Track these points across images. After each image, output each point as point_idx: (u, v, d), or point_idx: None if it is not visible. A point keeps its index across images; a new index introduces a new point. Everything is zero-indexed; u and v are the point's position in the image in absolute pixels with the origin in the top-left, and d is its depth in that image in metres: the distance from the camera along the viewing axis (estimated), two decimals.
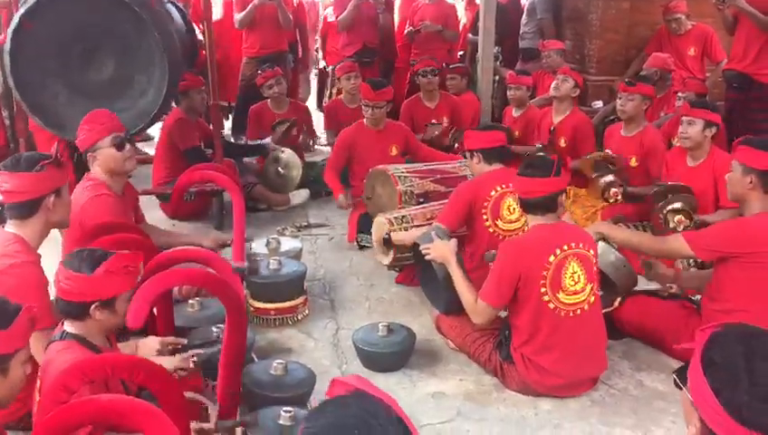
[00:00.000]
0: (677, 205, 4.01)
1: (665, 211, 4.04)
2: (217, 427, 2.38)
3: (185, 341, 2.82)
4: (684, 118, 4.28)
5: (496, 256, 3.11)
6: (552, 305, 3.00)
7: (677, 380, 1.26)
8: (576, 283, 3.01)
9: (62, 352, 2.24)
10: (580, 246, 3.06)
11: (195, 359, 2.57)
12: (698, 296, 3.44)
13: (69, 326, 2.32)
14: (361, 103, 5.10)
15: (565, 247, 3.01)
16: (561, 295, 3.00)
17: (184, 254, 2.80)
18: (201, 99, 5.40)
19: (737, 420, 1.11)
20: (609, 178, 4.61)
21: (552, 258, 2.98)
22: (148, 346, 2.72)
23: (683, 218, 3.95)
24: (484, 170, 3.82)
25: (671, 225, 3.97)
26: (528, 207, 3.12)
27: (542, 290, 2.98)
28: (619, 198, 4.56)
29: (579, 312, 3.03)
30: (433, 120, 5.89)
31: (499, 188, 3.74)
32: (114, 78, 4.20)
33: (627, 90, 4.86)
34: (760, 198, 3.12)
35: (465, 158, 4.32)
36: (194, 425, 2.30)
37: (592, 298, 3.08)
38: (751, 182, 3.11)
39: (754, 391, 1.11)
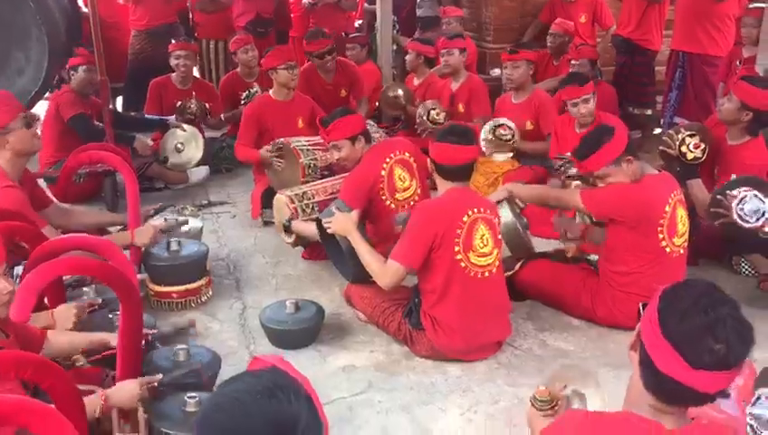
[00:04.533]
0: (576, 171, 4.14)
1: (564, 176, 4.18)
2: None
3: (99, 300, 2.82)
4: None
5: (410, 220, 3.11)
6: (463, 265, 3.05)
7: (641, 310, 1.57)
8: (485, 245, 3.08)
9: None
10: (488, 211, 3.13)
11: (155, 384, 2.38)
12: (595, 257, 3.57)
13: None
14: (281, 68, 4.76)
15: (476, 210, 3.08)
16: (471, 256, 3.05)
17: (72, 241, 2.64)
18: (89, 78, 5.05)
19: (665, 335, 1.43)
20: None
21: (465, 218, 3.04)
22: (63, 315, 2.62)
23: (581, 184, 4.08)
24: (366, 150, 3.79)
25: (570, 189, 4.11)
26: (445, 173, 3.12)
27: (456, 249, 3.03)
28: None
29: (486, 274, 3.10)
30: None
31: (387, 161, 3.73)
32: None
33: (511, 58, 4.97)
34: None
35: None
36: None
37: (497, 263, 3.16)
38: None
39: (684, 324, 1.43)
